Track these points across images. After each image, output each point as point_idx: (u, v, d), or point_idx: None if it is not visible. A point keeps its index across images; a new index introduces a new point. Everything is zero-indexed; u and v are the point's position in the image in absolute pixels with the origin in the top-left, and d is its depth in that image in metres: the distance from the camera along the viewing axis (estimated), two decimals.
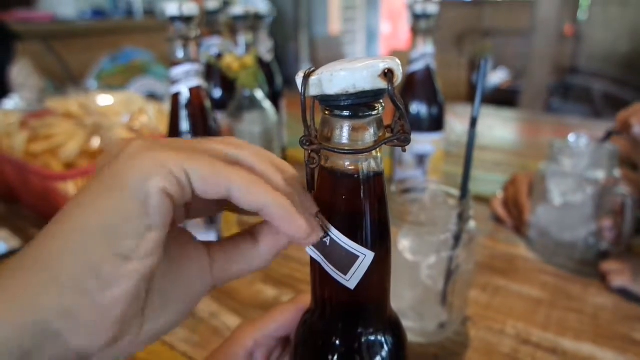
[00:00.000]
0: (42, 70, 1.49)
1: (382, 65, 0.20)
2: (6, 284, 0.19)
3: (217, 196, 0.21)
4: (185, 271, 0.23)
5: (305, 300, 0.29)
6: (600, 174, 0.59)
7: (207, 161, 0.21)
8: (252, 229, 0.25)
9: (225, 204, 0.24)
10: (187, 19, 0.51)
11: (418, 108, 0.72)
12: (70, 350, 0.19)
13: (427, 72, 0.72)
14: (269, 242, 0.24)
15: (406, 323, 0.48)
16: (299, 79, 0.22)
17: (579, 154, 0.61)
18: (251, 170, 0.22)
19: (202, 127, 0.54)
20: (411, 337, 0.49)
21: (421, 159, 0.74)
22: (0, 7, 2.14)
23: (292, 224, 0.21)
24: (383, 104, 0.22)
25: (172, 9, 0.50)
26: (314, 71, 0.22)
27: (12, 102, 1.09)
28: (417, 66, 0.71)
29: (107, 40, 2.29)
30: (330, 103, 0.22)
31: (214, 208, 0.26)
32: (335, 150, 0.22)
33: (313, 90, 0.21)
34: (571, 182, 0.61)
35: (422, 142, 0.73)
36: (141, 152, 0.20)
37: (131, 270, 0.19)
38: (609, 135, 0.59)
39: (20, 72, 1.35)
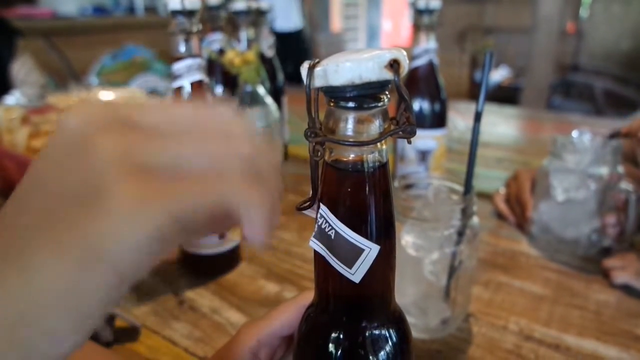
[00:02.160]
0: (43, 66, 1.49)
1: (388, 56, 0.20)
2: None
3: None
4: None
5: (309, 297, 0.29)
6: (603, 170, 0.59)
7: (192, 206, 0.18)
8: None
9: None
10: (189, 13, 0.51)
11: (421, 104, 0.72)
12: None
13: (430, 67, 0.72)
14: None
15: (409, 319, 0.47)
16: (303, 71, 0.21)
17: (582, 150, 0.61)
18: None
19: None
20: (414, 333, 0.48)
21: (424, 155, 0.74)
22: (2, 3, 2.13)
23: (255, 229, 0.20)
24: (389, 96, 0.22)
25: (174, 3, 0.50)
26: (318, 62, 0.21)
27: (13, 98, 1.09)
28: (420, 62, 0.71)
29: (108, 37, 2.29)
30: (336, 94, 0.21)
31: None
32: (341, 142, 0.22)
33: (318, 82, 0.21)
34: (574, 179, 0.60)
35: (425, 138, 0.73)
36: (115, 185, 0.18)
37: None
38: (613, 137, 0.59)
39: (21, 68, 1.35)
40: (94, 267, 0.17)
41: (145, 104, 0.21)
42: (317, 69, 0.21)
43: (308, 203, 0.25)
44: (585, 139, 0.62)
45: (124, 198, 0.17)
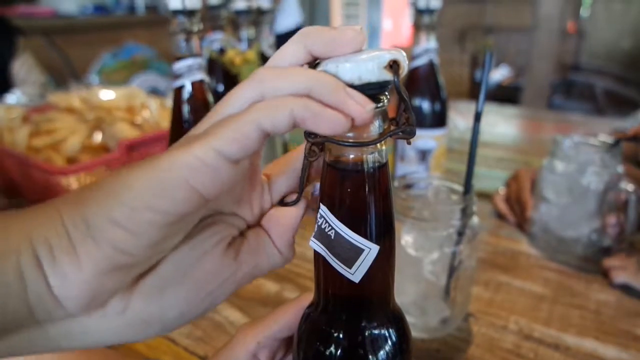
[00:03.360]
0: (43, 65, 1.49)
1: (388, 57, 0.20)
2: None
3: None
4: (209, 259, 0.23)
5: (308, 299, 0.29)
6: (603, 171, 0.59)
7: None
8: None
9: None
10: (190, 13, 0.51)
11: (421, 103, 0.72)
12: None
13: (430, 67, 0.72)
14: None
15: (409, 318, 0.47)
16: None
17: (583, 150, 0.61)
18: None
19: None
20: (414, 333, 0.48)
21: (424, 155, 0.74)
22: (3, 2, 2.13)
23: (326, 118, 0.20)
24: (388, 96, 0.22)
25: (175, 3, 0.50)
26: (318, 63, 0.22)
27: (14, 97, 1.09)
28: (420, 61, 0.71)
29: (108, 35, 2.29)
30: None
31: None
32: (341, 142, 0.22)
33: None
34: (575, 178, 0.60)
35: (425, 138, 0.73)
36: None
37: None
38: (617, 142, 0.59)
39: (22, 67, 1.35)
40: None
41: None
42: (317, 69, 0.21)
43: (291, 199, 0.26)
44: (585, 140, 0.62)
45: None
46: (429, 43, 0.70)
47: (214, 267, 0.24)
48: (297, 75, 0.20)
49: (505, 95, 2.81)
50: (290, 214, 0.26)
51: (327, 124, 0.20)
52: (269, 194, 0.26)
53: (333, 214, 0.23)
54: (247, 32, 0.78)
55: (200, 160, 0.19)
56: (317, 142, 0.23)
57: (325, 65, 0.21)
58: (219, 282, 0.24)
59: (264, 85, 0.20)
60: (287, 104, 0.20)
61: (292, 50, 0.22)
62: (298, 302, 0.30)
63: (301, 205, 0.26)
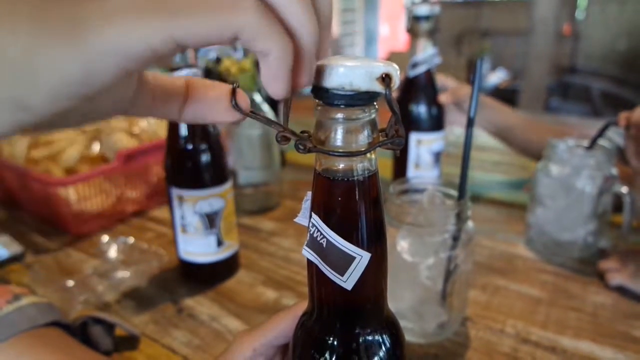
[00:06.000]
0: None
1: (381, 69, 0.21)
2: None
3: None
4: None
5: (304, 307, 0.29)
6: (598, 174, 0.59)
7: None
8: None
9: None
10: None
11: (436, 107, 0.75)
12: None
13: (428, 73, 0.73)
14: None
15: (406, 324, 0.48)
16: None
17: (577, 153, 0.61)
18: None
19: (201, 131, 0.54)
20: (411, 338, 0.49)
21: (437, 157, 0.75)
22: None
23: (275, 80, 0.20)
24: (377, 107, 0.22)
25: None
26: None
27: None
28: (420, 70, 0.72)
29: None
30: (324, 96, 0.22)
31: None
32: (330, 152, 0.22)
33: None
34: (570, 181, 0.61)
35: (439, 141, 0.75)
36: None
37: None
38: (606, 127, 0.59)
39: None
40: (67, 48, 0.17)
41: None
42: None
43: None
44: (579, 143, 0.63)
45: None
46: (427, 50, 0.71)
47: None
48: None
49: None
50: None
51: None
52: None
53: (324, 222, 0.23)
54: None
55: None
56: (309, 150, 0.23)
57: (319, 64, 0.21)
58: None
59: None
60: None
61: None
62: (294, 309, 0.30)
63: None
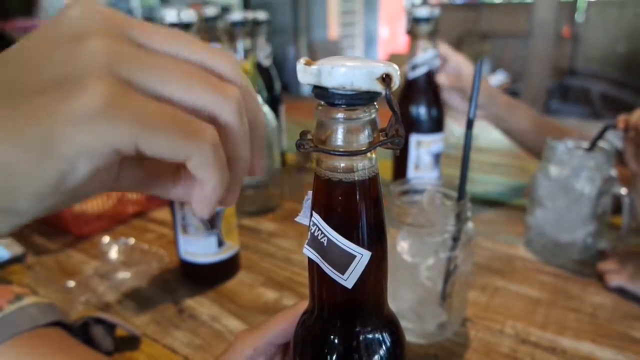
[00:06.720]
0: None
1: (382, 70, 0.21)
2: None
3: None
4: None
5: (304, 306, 0.29)
6: (597, 175, 0.60)
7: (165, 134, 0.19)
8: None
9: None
10: (185, 26, 0.52)
11: (436, 109, 0.75)
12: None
13: (429, 75, 0.74)
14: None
15: (406, 324, 0.48)
16: (299, 65, 0.22)
17: (577, 154, 0.61)
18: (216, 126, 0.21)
19: None
20: (411, 338, 0.49)
21: (437, 158, 0.75)
22: (1, 16, 2.15)
23: (205, 204, 0.22)
24: (377, 107, 0.23)
25: (170, 16, 0.51)
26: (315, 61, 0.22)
27: None
28: (420, 71, 0.72)
29: None
30: (325, 95, 0.22)
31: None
32: (330, 152, 0.22)
33: (310, 79, 0.22)
34: (569, 183, 0.61)
35: (439, 142, 0.76)
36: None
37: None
38: (605, 130, 0.59)
39: None
40: (40, 159, 0.18)
41: (153, 25, 0.22)
42: (313, 67, 0.22)
43: None
44: (578, 145, 0.63)
45: (94, 96, 0.18)
46: (428, 52, 0.71)
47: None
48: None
49: None
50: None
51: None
52: None
53: (325, 221, 0.24)
54: (243, 43, 0.79)
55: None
56: (310, 150, 0.23)
57: (320, 64, 0.22)
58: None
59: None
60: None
61: None
62: (294, 309, 0.30)
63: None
